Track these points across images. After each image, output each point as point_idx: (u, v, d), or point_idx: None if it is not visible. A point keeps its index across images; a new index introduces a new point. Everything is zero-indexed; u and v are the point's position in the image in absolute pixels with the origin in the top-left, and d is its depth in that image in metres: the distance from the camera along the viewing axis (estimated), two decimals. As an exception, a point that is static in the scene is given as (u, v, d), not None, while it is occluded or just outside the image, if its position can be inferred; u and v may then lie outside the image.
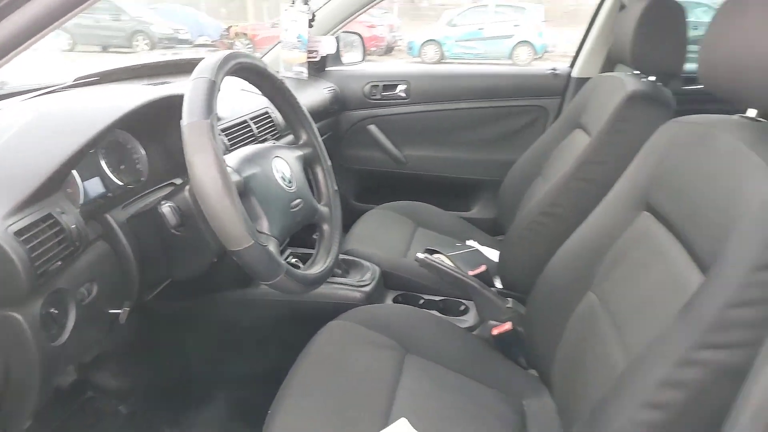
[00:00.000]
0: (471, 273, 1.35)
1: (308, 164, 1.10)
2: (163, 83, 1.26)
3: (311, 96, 1.75)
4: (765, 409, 0.47)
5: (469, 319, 1.33)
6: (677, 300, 0.67)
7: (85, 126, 0.86)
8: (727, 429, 0.50)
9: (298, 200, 0.96)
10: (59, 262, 0.75)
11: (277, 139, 1.39)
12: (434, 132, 2.02)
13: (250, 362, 1.32)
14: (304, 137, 1.09)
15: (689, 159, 0.80)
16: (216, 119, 0.78)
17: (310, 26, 1.38)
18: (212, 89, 0.79)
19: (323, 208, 1.08)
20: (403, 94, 1.98)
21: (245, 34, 10.77)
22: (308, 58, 1.40)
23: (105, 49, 10.17)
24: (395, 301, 1.39)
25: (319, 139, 1.11)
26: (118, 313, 0.92)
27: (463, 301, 1.39)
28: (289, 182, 0.96)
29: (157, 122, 1.00)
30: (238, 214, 0.75)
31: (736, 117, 0.78)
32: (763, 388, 0.48)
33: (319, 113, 1.79)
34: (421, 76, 2.03)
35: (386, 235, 1.58)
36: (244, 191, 0.85)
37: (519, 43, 10.51)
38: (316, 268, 0.99)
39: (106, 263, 0.88)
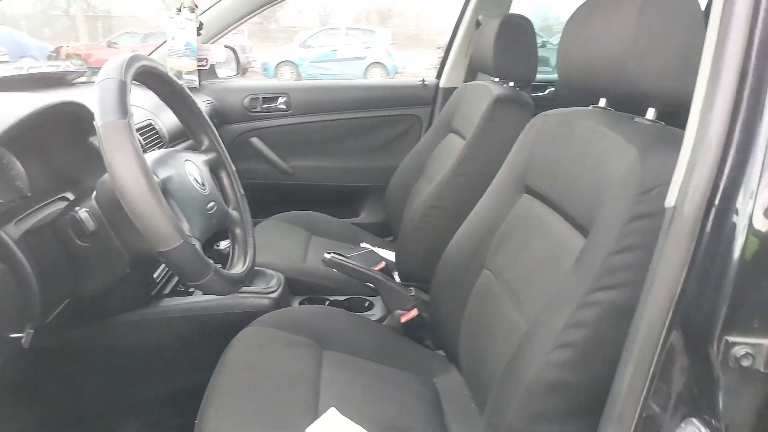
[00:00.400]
0: (375, 268, 1.44)
1: (213, 169, 1.09)
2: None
3: None
4: (651, 338, 0.55)
5: (376, 313, 1.41)
6: (564, 262, 0.79)
7: None
8: (623, 359, 0.58)
9: (212, 203, 0.96)
10: None
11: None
12: (318, 142, 2.08)
13: (161, 383, 1.25)
14: (206, 143, 1.09)
15: (557, 144, 0.94)
16: (132, 119, 0.76)
17: (198, 34, 1.36)
18: (124, 89, 0.77)
19: (233, 212, 1.08)
20: (283, 106, 2.01)
21: (78, 55, 9.82)
22: (198, 66, 1.38)
23: None
24: (301, 305, 1.41)
25: (222, 144, 1.11)
26: (21, 337, 0.83)
27: (367, 297, 1.46)
28: (203, 185, 0.95)
29: (33, 136, 0.93)
30: (166, 213, 0.74)
31: (590, 108, 0.94)
32: (647, 320, 0.56)
33: None
34: (300, 88, 2.08)
35: (282, 245, 1.60)
36: (165, 193, 0.83)
37: (371, 64, 10.99)
38: (238, 268, 0.99)
39: (2, 284, 0.79)
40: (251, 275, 1.03)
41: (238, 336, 1.06)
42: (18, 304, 0.83)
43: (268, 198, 2.09)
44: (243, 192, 1.13)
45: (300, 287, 1.45)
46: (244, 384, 0.94)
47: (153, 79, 0.94)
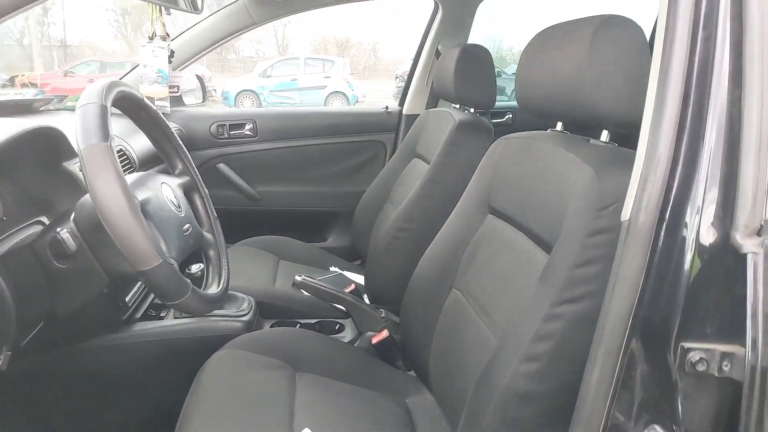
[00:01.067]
0: (346, 290, 1.47)
1: (187, 192, 1.11)
2: None
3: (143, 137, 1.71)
4: (613, 345, 0.58)
5: (347, 335, 1.42)
6: (530, 278, 0.82)
7: None
8: (588, 367, 0.61)
9: (188, 225, 0.97)
10: None
11: None
12: (285, 168, 2.10)
13: (133, 407, 1.22)
14: (180, 166, 1.10)
15: (519, 165, 0.99)
16: (113, 142, 0.78)
17: (170, 62, 1.39)
18: (105, 113, 0.78)
19: (207, 234, 1.09)
20: (250, 133, 2.03)
21: (35, 84, 9.57)
22: (170, 92, 1.40)
23: None
24: (272, 328, 1.41)
25: (195, 168, 1.13)
26: None
27: (337, 320, 1.47)
28: (179, 207, 0.97)
29: (6, 161, 0.93)
30: (146, 234, 0.75)
31: (548, 131, 0.99)
32: (609, 329, 0.59)
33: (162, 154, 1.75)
34: (266, 115, 2.11)
35: (251, 269, 1.60)
36: (144, 214, 0.84)
37: (332, 93, 11.11)
38: (213, 288, 1.00)
39: None
40: (226, 296, 1.04)
41: (211, 358, 1.06)
42: None
43: (236, 223, 2.08)
44: (216, 215, 1.15)
45: (270, 311, 1.45)
46: (219, 405, 0.94)
47: (130, 104, 0.95)
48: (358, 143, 2.14)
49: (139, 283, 1.30)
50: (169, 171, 1.12)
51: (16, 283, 0.84)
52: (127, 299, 1.23)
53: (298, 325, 1.44)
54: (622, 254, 0.58)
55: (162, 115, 1.05)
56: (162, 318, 1.29)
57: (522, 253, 0.91)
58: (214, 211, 1.15)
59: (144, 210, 0.85)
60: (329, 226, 2.21)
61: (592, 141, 0.89)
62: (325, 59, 12.14)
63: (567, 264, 0.73)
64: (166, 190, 0.96)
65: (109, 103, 0.81)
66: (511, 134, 1.07)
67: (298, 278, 1.36)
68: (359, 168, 2.16)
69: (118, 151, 1.24)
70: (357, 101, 11.34)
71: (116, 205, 0.73)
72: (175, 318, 1.26)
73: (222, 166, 2.03)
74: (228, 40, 1.80)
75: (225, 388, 0.98)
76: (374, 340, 1.31)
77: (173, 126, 1.85)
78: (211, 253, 1.09)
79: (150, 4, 1.27)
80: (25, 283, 0.86)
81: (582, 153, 0.83)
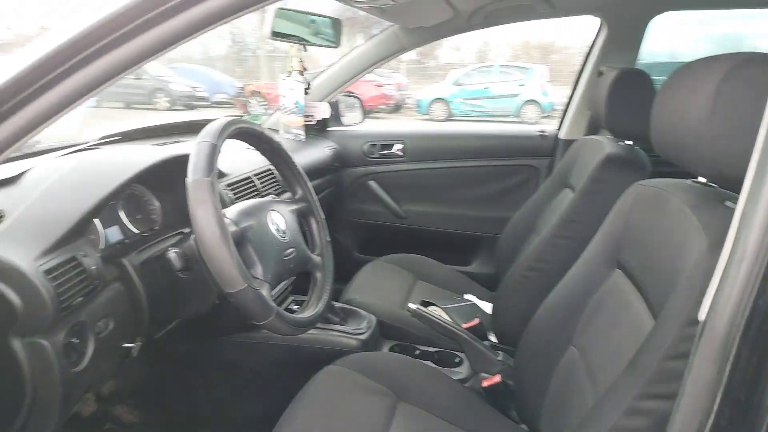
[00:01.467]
0: (464, 326, 1.40)
1: (303, 217, 1.19)
2: (176, 142, 1.38)
3: (313, 154, 1.88)
4: None
5: (463, 371, 1.37)
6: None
7: (105, 181, 0.97)
8: None
9: (290, 249, 1.05)
10: (81, 298, 0.84)
11: (279, 194, 1.49)
12: (431, 188, 2.12)
13: (249, 404, 1.37)
14: (299, 193, 1.19)
15: (648, 219, 0.87)
16: (216, 177, 0.88)
17: (306, 93, 1.52)
18: (213, 151, 0.89)
19: (316, 258, 1.16)
20: (399, 153, 2.09)
21: (259, 92, 11.16)
22: (305, 121, 1.53)
23: (128, 105, 10.55)
24: (391, 350, 1.43)
25: (314, 194, 1.21)
26: (131, 347, 1.00)
27: (458, 353, 1.43)
28: (283, 233, 1.05)
29: (169, 177, 1.10)
30: (232, 261, 0.84)
31: (688, 181, 0.85)
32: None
33: (320, 169, 1.91)
34: (416, 135, 2.15)
35: (386, 287, 1.64)
36: (241, 240, 0.94)
37: (526, 101, 10.80)
38: (307, 313, 1.06)
39: (121, 302, 0.96)
40: (318, 320, 1.09)
41: (319, 373, 1.12)
42: (131, 320, 0.99)
43: (380, 238, 2.18)
44: (329, 239, 1.21)
45: (393, 332, 1.47)
46: (315, 421, 0.99)
47: (250, 137, 1.07)
48: (509, 167, 2.05)
49: (279, 287, 1.44)
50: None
51: (150, 286, 1.01)
52: None
53: (417, 351, 1.43)
54: (693, 362, 0.49)
55: (283, 146, 1.14)
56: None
57: (637, 318, 0.81)
58: (327, 235, 1.21)
59: (244, 236, 0.95)
60: (473, 250, 2.16)
61: (728, 203, 0.73)
62: (521, 66, 11.82)
63: (661, 351, 0.63)
64: (275, 216, 1.05)
65: (221, 142, 0.92)
66: (648, 180, 0.94)
67: (411, 306, 1.36)
68: (508, 193, 2.07)
69: (245, 179, 1.39)
70: (553, 109, 10.82)
71: (209, 234, 0.83)
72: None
73: (372, 183, 2.13)
74: (380, 65, 1.89)
75: (324, 404, 1.03)
76: (485, 384, 1.24)
77: (330, 144, 2.01)
78: (318, 275, 1.16)
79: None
80: (156, 287, 1.02)
81: (707, 218, 0.70)
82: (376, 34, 1.81)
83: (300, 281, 1.25)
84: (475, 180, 2.09)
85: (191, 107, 10.67)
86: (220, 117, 0.99)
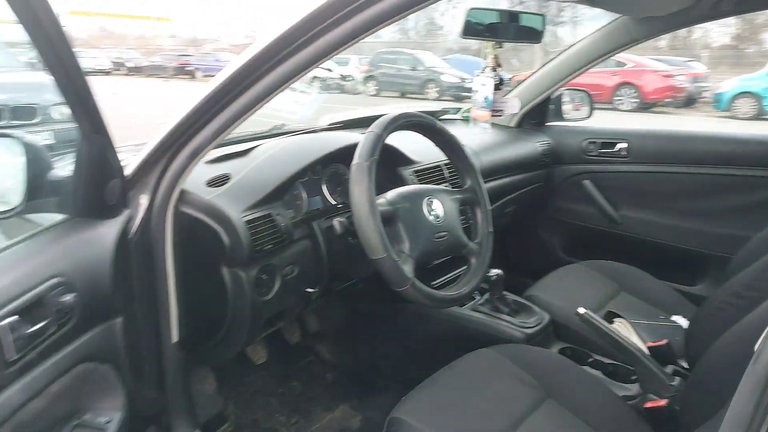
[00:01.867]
0: (649, 344, 1.28)
1: (469, 206, 1.27)
2: None
3: (518, 149, 1.90)
4: None
5: (633, 389, 1.27)
6: None
7: (302, 159, 1.23)
8: None
9: (443, 233, 1.14)
10: (271, 246, 1.11)
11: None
12: (656, 195, 1.90)
13: (414, 367, 1.49)
14: (468, 183, 1.27)
15: None
16: (375, 163, 1.03)
17: (498, 90, 1.56)
18: (377, 140, 1.05)
19: (473, 245, 1.23)
20: (623, 153, 1.93)
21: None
22: (492, 116, 1.58)
23: (402, 95, 11.73)
24: (561, 352, 1.40)
25: (482, 186, 1.27)
26: (312, 291, 1.24)
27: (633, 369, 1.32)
28: (438, 217, 1.15)
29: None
30: (376, 232, 0.99)
31: None
32: None
33: (527, 165, 1.92)
34: (644, 135, 1.94)
35: (579, 291, 1.56)
36: (392, 218, 1.08)
37: None
38: (448, 292, 1.14)
39: (306, 255, 1.21)
40: (459, 301, 1.16)
41: (473, 352, 1.17)
42: (314, 271, 1.23)
43: (588, 242, 2.06)
44: (491, 230, 1.26)
45: (570, 335, 1.43)
46: (456, 392, 1.06)
47: (421, 129, 1.20)
48: (759, 179, 1.70)
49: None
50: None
51: (330, 245, 1.23)
52: (432, 283, 1.50)
53: (591, 359, 1.37)
54: (739, 392, 0.48)
55: (456, 138, 1.23)
56: (463, 304, 1.50)
57: None
58: (491, 226, 1.26)
59: (396, 214, 1.08)
60: (696, 269, 1.86)
61: None
62: None
63: None
64: (434, 203, 1.16)
65: (386, 133, 1.07)
66: None
67: (581, 310, 1.30)
68: (753, 208, 1.71)
69: (434, 168, 1.50)
70: None
71: (360, 208, 1.00)
72: (472, 309, 1.46)
73: (587, 183, 2.01)
74: (607, 58, 1.77)
75: (467, 379, 1.10)
76: (648, 405, 1.15)
77: (543, 140, 2.00)
78: (473, 261, 1.22)
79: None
80: (335, 247, 1.24)
81: None
82: (604, 25, 1.70)
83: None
84: (712, 190, 1.79)
85: (458, 98, 11.29)
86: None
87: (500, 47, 1.50)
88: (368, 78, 13.87)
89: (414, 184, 1.39)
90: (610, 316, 1.43)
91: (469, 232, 1.26)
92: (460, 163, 1.27)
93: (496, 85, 1.54)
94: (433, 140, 1.24)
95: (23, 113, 4.19)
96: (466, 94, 11.72)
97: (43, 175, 0.85)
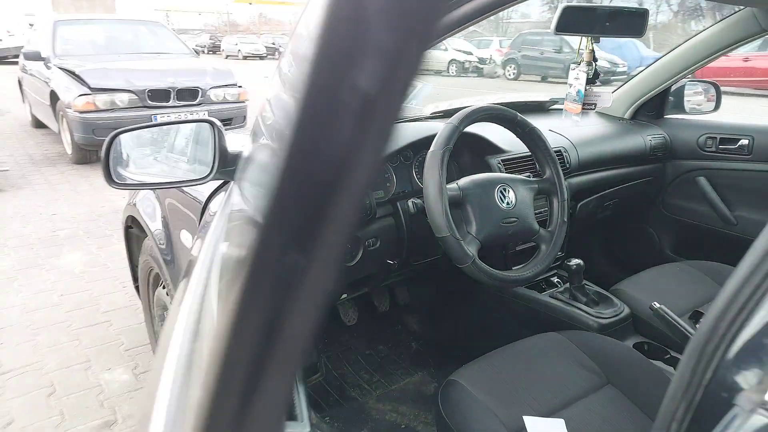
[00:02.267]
0: None
1: (546, 195, 1.34)
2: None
3: (625, 142, 1.87)
4: None
5: None
6: None
7: (395, 145, 1.39)
8: None
9: (512, 219, 1.24)
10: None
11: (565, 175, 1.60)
12: None
13: (490, 342, 1.61)
14: (547, 173, 1.34)
15: None
16: (449, 152, 1.16)
17: (593, 84, 1.56)
18: (453, 131, 1.18)
19: (545, 232, 1.30)
20: (744, 150, 1.81)
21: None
22: (584, 108, 1.59)
23: (543, 79, 11.09)
24: (637, 346, 1.41)
25: (561, 176, 1.33)
26: (392, 263, 1.41)
27: None
28: (508, 203, 1.24)
29: (457, 149, 1.38)
30: (442, 213, 1.13)
31: None
32: None
33: (637, 158, 1.89)
34: None
35: (674, 290, 1.53)
36: (462, 201, 1.20)
37: None
38: (510, 273, 1.24)
39: (388, 231, 1.38)
40: (520, 283, 1.24)
41: (540, 335, 1.22)
42: (395, 244, 1.40)
43: (697, 241, 1.96)
44: (566, 220, 1.32)
45: (650, 332, 1.43)
46: (514, 366, 1.10)
47: (503, 121, 1.29)
48: None
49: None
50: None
51: (410, 223, 1.38)
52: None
53: (668, 356, 1.37)
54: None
55: (538, 130, 1.31)
56: (543, 290, 1.57)
57: None
58: (566, 215, 1.32)
59: (465, 198, 1.20)
60: None
61: None
62: None
63: None
64: (504, 189, 1.25)
65: (463, 125, 1.19)
66: None
67: (656, 305, 1.31)
68: None
69: (523, 158, 1.54)
70: None
71: (429, 191, 1.14)
72: (551, 296, 1.52)
73: (701, 179, 1.91)
74: (733, 50, 1.66)
75: (529, 357, 1.13)
76: None
77: (657, 134, 1.94)
78: (543, 247, 1.30)
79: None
80: (414, 226, 1.38)
81: None
82: (726, 15, 1.61)
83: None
84: None
85: (607, 83, 10.54)
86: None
87: (597, 42, 1.51)
88: (508, 61, 13.53)
89: (499, 172, 1.48)
90: (696, 316, 1.41)
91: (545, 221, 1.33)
92: (539, 153, 1.34)
93: (589, 79, 1.55)
94: (514, 132, 1.33)
95: (187, 95, 4.81)
96: (615, 78, 10.90)
97: (224, 149, 1.02)
